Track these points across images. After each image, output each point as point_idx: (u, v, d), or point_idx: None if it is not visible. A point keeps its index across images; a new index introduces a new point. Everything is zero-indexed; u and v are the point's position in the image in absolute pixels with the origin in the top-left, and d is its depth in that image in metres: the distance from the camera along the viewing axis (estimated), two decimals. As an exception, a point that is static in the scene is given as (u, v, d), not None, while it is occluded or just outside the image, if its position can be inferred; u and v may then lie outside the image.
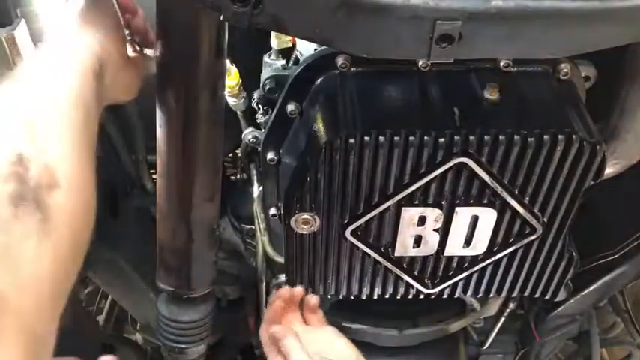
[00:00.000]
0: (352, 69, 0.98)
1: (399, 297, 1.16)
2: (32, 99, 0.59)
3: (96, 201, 0.61)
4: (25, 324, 0.50)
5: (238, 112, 1.13)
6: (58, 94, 0.61)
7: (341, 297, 1.19)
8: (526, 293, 1.17)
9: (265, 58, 1.06)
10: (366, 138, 0.90)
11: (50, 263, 0.53)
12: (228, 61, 0.92)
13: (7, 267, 0.49)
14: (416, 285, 1.13)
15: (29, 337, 0.51)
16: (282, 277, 1.31)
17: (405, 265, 1.10)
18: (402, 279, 1.12)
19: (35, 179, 0.52)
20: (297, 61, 1.04)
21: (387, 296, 1.16)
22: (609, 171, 1.10)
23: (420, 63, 0.96)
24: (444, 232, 1.04)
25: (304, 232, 1.03)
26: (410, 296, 1.16)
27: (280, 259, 1.26)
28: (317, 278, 1.13)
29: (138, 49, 0.78)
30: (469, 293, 1.17)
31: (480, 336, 1.70)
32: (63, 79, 0.63)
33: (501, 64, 0.97)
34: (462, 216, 1.01)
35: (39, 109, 0.58)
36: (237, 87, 1.07)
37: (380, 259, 1.08)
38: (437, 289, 1.14)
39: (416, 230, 1.03)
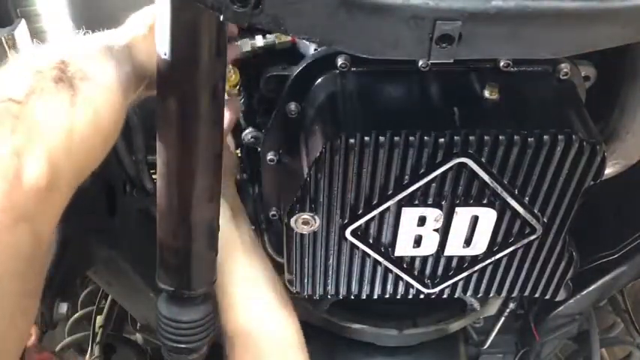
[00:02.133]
0: (352, 69, 0.98)
1: (399, 297, 1.16)
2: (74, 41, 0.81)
3: (121, 105, 0.78)
4: (50, 157, 0.66)
5: (238, 112, 1.13)
6: (94, 40, 0.82)
7: (341, 297, 1.19)
8: (526, 293, 1.17)
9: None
10: (366, 138, 0.90)
11: (77, 126, 0.70)
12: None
13: (47, 115, 0.67)
14: (416, 285, 1.13)
15: (51, 167, 0.66)
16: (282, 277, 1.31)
17: (405, 265, 1.10)
18: (402, 279, 1.12)
19: (71, 72, 0.72)
20: (297, 61, 1.04)
21: (387, 296, 1.16)
22: (609, 171, 1.10)
23: (420, 63, 0.96)
24: (444, 232, 1.04)
25: (304, 232, 1.03)
26: (410, 296, 1.16)
27: (280, 259, 1.26)
28: (317, 278, 1.13)
29: None
30: (469, 293, 1.17)
31: (479, 336, 1.70)
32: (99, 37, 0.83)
33: (501, 64, 0.97)
34: (462, 216, 1.01)
35: (82, 39, 0.81)
36: (237, 87, 1.07)
37: (380, 259, 1.08)
38: (437, 289, 1.14)
39: (416, 230, 1.03)
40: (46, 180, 0.66)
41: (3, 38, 1.08)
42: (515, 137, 0.91)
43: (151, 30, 0.86)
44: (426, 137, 0.90)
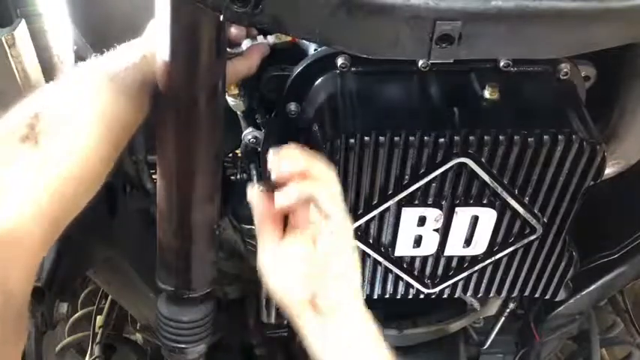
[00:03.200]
0: (352, 69, 0.98)
1: (399, 297, 1.16)
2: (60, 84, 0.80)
3: (108, 145, 0.77)
4: (12, 217, 0.67)
5: (238, 112, 1.13)
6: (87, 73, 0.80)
7: (341, 297, 1.19)
8: (526, 293, 1.17)
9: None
10: (366, 138, 0.90)
11: (42, 182, 0.70)
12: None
13: (8, 176, 0.68)
14: (416, 285, 1.13)
15: (13, 228, 0.67)
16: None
17: (405, 265, 1.10)
18: (402, 279, 1.12)
19: (40, 128, 0.72)
20: (297, 61, 1.04)
21: (387, 296, 1.16)
22: (609, 171, 1.10)
23: (420, 63, 0.96)
24: (444, 232, 1.04)
25: (304, 232, 1.03)
26: (410, 296, 1.16)
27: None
28: (317, 278, 1.13)
29: None
30: (469, 293, 1.17)
31: (479, 336, 1.70)
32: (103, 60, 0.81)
33: (501, 64, 0.97)
34: (462, 216, 1.01)
35: (64, 83, 0.80)
36: (237, 87, 1.07)
37: (380, 259, 1.08)
38: (437, 289, 1.14)
39: (416, 230, 1.03)
40: (10, 239, 0.66)
41: (3, 38, 1.07)
42: (515, 137, 0.91)
43: None
44: (426, 137, 0.90)
